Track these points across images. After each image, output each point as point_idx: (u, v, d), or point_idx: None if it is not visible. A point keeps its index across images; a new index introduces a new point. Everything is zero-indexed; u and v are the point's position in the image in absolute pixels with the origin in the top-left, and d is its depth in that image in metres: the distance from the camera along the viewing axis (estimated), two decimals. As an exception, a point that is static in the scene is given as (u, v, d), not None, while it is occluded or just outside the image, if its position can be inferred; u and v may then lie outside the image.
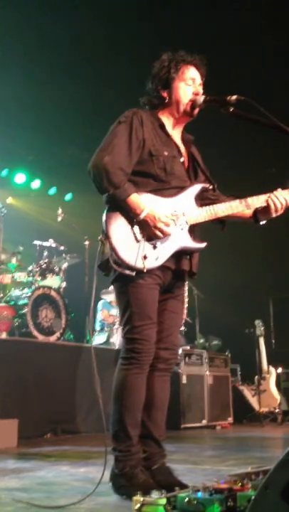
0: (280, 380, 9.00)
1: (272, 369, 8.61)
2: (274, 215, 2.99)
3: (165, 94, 2.99)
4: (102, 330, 8.21)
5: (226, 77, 5.91)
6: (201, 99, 2.94)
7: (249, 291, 10.08)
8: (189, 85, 2.97)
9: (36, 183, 10.29)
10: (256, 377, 8.54)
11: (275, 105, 3.07)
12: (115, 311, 8.08)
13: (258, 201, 2.98)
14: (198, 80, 3.00)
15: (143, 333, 2.77)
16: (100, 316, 8.41)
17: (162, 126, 2.98)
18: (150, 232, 2.75)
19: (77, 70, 7.83)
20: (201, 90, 2.99)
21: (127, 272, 2.72)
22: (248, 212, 3.03)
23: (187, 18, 7.04)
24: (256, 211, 3.02)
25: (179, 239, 2.84)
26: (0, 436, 4.84)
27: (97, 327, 8.32)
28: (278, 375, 8.78)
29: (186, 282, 3.16)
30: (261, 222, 3.07)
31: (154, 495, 2.13)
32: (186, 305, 6.61)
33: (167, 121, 3.02)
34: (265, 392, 8.36)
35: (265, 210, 2.98)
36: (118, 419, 2.76)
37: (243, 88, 3.02)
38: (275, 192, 2.98)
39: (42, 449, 4.86)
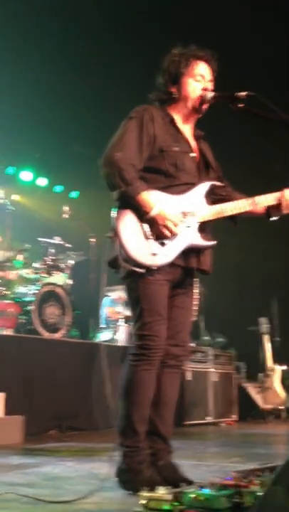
0: (285, 378, 9.00)
1: (276, 366, 8.61)
2: (286, 212, 3.00)
3: (174, 90, 2.99)
4: (107, 327, 8.22)
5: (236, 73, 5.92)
6: (209, 95, 2.94)
7: (254, 289, 10.07)
8: (198, 81, 2.96)
9: (43, 181, 10.31)
10: (260, 374, 8.54)
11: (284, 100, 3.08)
12: (120, 308, 8.09)
13: (266, 200, 2.99)
14: (208, 75, 3.00)
15: (153, 330, 2.78)
16: (104, 313, 8.42)
17: (173, 122, 2.98)
18: (159, 230, 2.76)
19: (84, 68, 7.84)
20: (210, 86, 2.99)
21: (136, 269, 2.73)
22: (260, 209, 3.04)
23: (192, 13, 7.04)
24: (269, 208, 3.03)
25: (188, 237, 2.84)
26: (5, 433, 4.86)
27: (102, 324, 8.33)
28: (283, 373, 8.77)
29: (197, 279, 3.16)
30: (273, 219, 3.08)
31: (160, 490, 2.14)
32: (196, 302, 6.60)
33: (177, 116, 3.01)
34: (270, 389, 8.36)
35: (278, 207, 2.99)
36: (126, 415, 2.77)
37: (253, 84, 3.01)
38: (286, 190, 2.98)
39: (47, 445, 4.88)
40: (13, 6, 6.87)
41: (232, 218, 3.04)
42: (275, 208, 3.01)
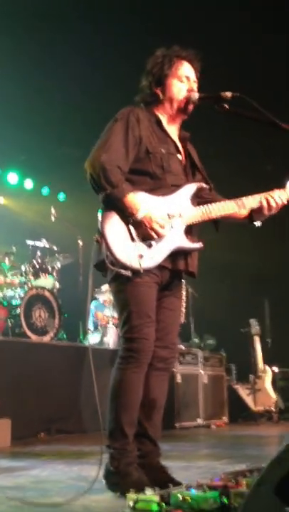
0: (276, 379, 9.00)
1: (267, 368, 8.60)
2: (268, 214, 2.98)
3: (159, 92, 2.97)
4: (95, 330, 8.19)
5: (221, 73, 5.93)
6: (195, 96, 2.92)
7: (245, 290, 10.08)
8: (183, 82, 2.95)
9: (29, 183, 10.26)
10: (251, 376, 8.53)
11: (271, 101, 3.07)
12: (108, 312, 8.07)
13: (253, 201, 2.97)
14: (193, 76, 2.98)
15: (142, 332, 2.75)
16: (93, 316, 8.40)
17: (159, 123, 2.96)
18: (145, 232, 2.73)
19: (70, 68, 7.81)
20: (195, 87, 2.97)
21: (123, 271, 2.70)
22: (244, 213, 3.02)
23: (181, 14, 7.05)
24: (252, 212, 3.01)
25: (175, 239, 2.82)
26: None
27: (91, 327, 8.31)
28: (274, 374, 8.77)
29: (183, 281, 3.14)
30: (256, 223, 3.06)
31: (148, 492, 2.13)
32: (184, 303, 6.60)
33: (163, 118, 2.99)
34: (261, 391, 8.35)
35: (260, 210, 2.97)
36: (114, 417, 2.75)
37: (240, 84, 3.01)
38: (269, 192, 2.97)
39: (35, 448, 4.85)
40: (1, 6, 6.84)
41: (215, 223, 3.02)
42: (258, 212, 2.99)
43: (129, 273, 2.70)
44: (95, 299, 8.34)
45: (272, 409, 8.23)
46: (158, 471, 2.77)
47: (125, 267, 2.70)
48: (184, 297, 5.03)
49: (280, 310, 10.11)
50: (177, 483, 2.58)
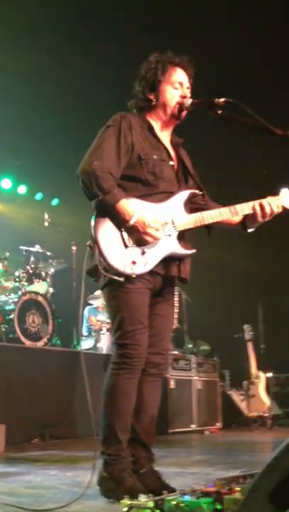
0: (270, 385, 9.01)
1: (261, 374, 8.62)
2: (261, 221, 2.99)
3: (152, 97, 2.97)
4: (89, 335, 8.19)
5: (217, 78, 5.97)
6: (188, 102, 2.92)
7: (238, 296, 10.09)
8: (176, 88, 2.95)
9: (22, 189, 10.25)
10: (245, 382, 8.54)
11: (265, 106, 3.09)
12: (102, 317, 8.07)
13: (247, 208, 2.97)
14: (186, 82, 2.99)
15: (135, 338, 2.75)
16: (86, 321, 8.40)
17: (151, 129, 2.96)
18: (139, 237, 2.73)
19: (65, 73, 7.82)
20: (188, 93, 2.98)
21: (116, 277, 2.70)
22: (237, 219, 3.02)
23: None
24: (245, 218, 3.02)
25: (168, 245, 2.82)
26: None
27: (85, 332, 8.31)
28: (268, 380, 8.78)
29: (177, 287, 3.15)
30: (249, 230, 3.07)
31: (142, 498, 2.13)
32: (176, 310, 6.61)
33: (155, 124, 3.00)
34: (254, 397, 8.36)
35: (254, 217, 2.97)
36: (108, 423, 2.75)
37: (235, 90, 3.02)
38: (263, 199, 2.98)
39: (30, 453, 4.83)
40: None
41: (207, 228, 3.02)
42: (252, 219, 3.00)
43: (121, 279, 2.70)
44: (89, 304, 8.35)
45: (266, 414, 8.24)
46: (152, 477, 2.77)
47: (118, 273, 2.70)
48: (176, 303, 5.05)
49: (273, 316, 10.13)
50: (171, 490, 2.58)
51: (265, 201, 2.97)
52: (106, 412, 2.78)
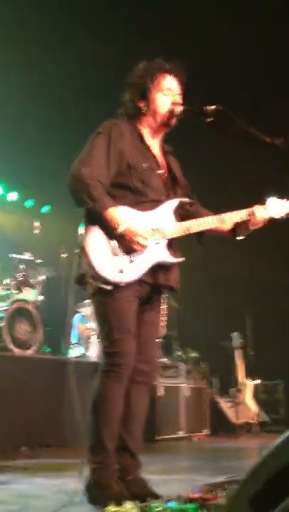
0: (258, 392, 9.05)
1: (248, 381, 8.66)
2: (252, 229, 3.03)
3: (142, 105, 2.98)
4: (78, 343, 8.19)
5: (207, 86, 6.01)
6: (178, 109, 2.95)
7: (226, 303, 10.13)
8: (166, 95, 2.96)
9: (13, 195, 10.25)
10: (232, 389, 8.58)
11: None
12: (91, 325, 8.08)
13: (235, 216, 3.01)
14: (176, 88, 3.00)
15: (122, 347, 2.77)
16: (76, 329, 8.40)
17: (141, 137, 2.98)
18: (128, 246, 2.75)
19: (56, 79, 7.84)
20: (179, 100, 2.99)
21: (104, 286, 2.73)
22: (227, 227, 3.05)
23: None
24: (235, 226, 3.05)
25: (156, 253, 2.84)
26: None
27: (74, 340, 8.31)
28: (256, 387, 8.82)
29: (165, 295, 3.18)
30: (239, 238, 3.11)
31: (127, 505, 2.16)
32: (164, 317, 6.64)
33: (145, 131, 3.02)
34: (242, 404, 8.41)
35: (244, 225, 3.02)
36: (95, 431, 2.76)
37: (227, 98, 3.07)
38: (254, 207, 3.01)
39: (17, 461, 4.82)
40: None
41: (199, 237, 3.04)
42: (242, 227, 3.04)
43: (109, 287, 2.73)
44: (79, 312, 8.35)
45: (253, 421, 8.28)
46: (138, 485, 2.79)
47: (106, 282, 2.72)
48: (164, 311, 5.08)
49: (262, 323, 10.17)
50: (157, 496, 2.61)
51: (255, 210, 3.00)
52: (93, 420, 2.79)
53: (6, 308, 6.66)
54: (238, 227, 3.05)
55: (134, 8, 7.02)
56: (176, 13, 7.11)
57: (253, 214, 2.99)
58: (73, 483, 2.70)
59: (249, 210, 3.01)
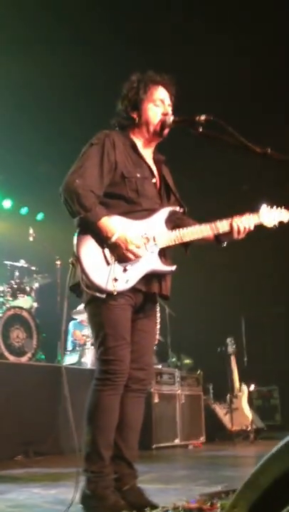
0: (253, 398, 9.04)
1: (244, 387, 8.65)
2: (236, 237, 3.05)
3: (135, 116, 3.04)
4: (73, 350, 8.18)
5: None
6: (170, 119, 2.99)
7: (220, 309, 10.15)
8: (158, 106, 3.02)
9: (7, 203, 10.25)
10: (228, 395, 8.57)
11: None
12: (86, 331, 8.07)
13: (226, 225, 3.03)
14: (167, 100, 3.06)
15: (117, 354, 2.78)
16: (71, 336, 8.39)
17: (134, 147, 3.02)
18: (121, 254, 2.77)
19: (50, 87, 7.85)
20: (170, 110, 3.05)
21: (98, 294, 2.74)
22: (211, 236, 3.07)
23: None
24: (219, 234, 3.07)
25: (149, 262, 2.86)
26: None
27: (69, 347, 8.29)
28: (250, 393, 8.81)
29: (158, 302, 3.19)
30: (222, 245, 3.13)
31: (124, 516, 2.15)
32: (158, 325, 6.64)
33: (138, 141, 3.06)
34: (237, 410, 8.38)
35: (229, 233, 3.03)
36: (91, 440, 2.76)
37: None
38: (239, 216, 3.04)
39: (12, 471, 4.80)
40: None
41: (185, 245, 3.07)
42: (226, 234, 3.05)
43: (103, 296, 2.74)
44: (74, 319, 8.34)
45: (249, 428, 8.26)
46: (135, 495, 2.79)
47: (100, 290, 2.74)
48: (158, 319, 5.08)
49: (256, 329, 10.20)
50: (154, 506, 2.60)
51: (241, 219, 3.03)
52: (89, 428, 2.79)
53: (0, 315, 6.64)
54: (222, 234, 3.07)
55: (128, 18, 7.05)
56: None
57: (241, 222, 3.02)
58: (69, 493, 2.68)
59: (238, 218, 3.03)
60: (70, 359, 7.97)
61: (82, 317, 8.11)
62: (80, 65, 7.60)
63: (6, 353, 6.45)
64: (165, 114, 3.01)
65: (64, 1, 6.89)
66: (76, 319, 8.34)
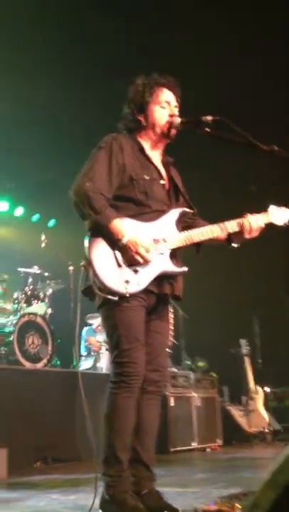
0: (268, 400, 9.00)
1: (259, 389, 8.62)
2: (247, 237, 3.05)
3: (141, 118, 3.06)
4: (88, 355, 8.20)
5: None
6: (177, 120, 3.01)
7: (234, 311, 10.12)
8: (164, 108, 3.04)
9: (19, 210, 10.34)
10: (244, 397, 8.54)
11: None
12: (100, 337, 8.09)
13: (235, 224, 3.03)
14: (173, 101, 3.08)
15: (132, 356, 2.79)
16: (86, 341, 8.41)
17: (142, 150, 3.04)
18: (131, 257, 2.79)
19: (59, 96, 7.88)
20: (176, 112, 3.07)
21: (110, 297, 2.75)
22: (223, 235, 3.08)
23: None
24: (230, 234, 3.07)
25: (161, 263, 2.87)
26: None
27: (84, 352, 8.31)
28: (266, 395, 8.78)
29: (171, 304, 3.20)
30: (234, 245, 3.13)
31: (145, 519, 2.15)
32: (171, 326, 6.64)
33: (146, 144, 3.07)
34: (254, 412, 8.35)
35: (240, 233, 3.04)
36: (108, 443, 2.76)
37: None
38: (249, 215, 3.04)
39: (32, 478, 4.81)
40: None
41: (197, 246, 3.07)
42: (237, 234, 3.06)
43: (116, 298, 2.75)
44: (88, 324, 8.36)
45: (266, 430, 8.22)
46: (154, 498, 2.79)
47: (112, 293, 2.75)
48: (171, 320, 5.08)
49: (269, 330, 10.16)
50: (173, 510, 2.60)
51: (251, 218, 3.03)
52: (106, 432, 2.79)
53: (15, 321, 6.68)
54: (233, 235, 3.07)
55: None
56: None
57: (252, 222, 3.01)
58: (89, 498, 2.68)
59: (248, 217, 3.03)
60: (85, 364, 7.99)
61: (96, 322, 8.14)
62: (91, 73, 7.62)
63: (22, 360, 6.48)
64: (172, 116, 3.03)
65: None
66: (91, 324, 8.36)
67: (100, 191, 2.82)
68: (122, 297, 2.76)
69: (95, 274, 2.76)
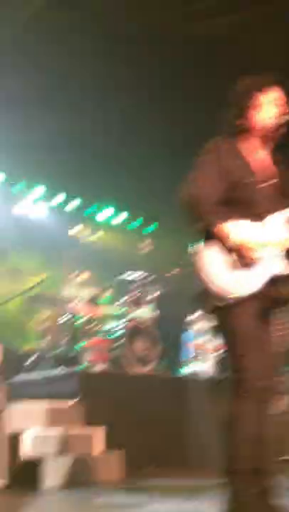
0: None
1: None
2: None
3: (243, 122, 3.01)
4: (195, 359, 8.15)
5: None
6: (284, 119, 2.94)
7: None
8: (268, 109, 2.97)
9: (122, 216, 10.57)
10: None
11: None
12: (206, 339, 8.02)
13: None
14: (279, 100, 3.00)
15: (249, 362, 2.74)
16: (191, 344, 8.37)
17: (245, 153, 2.99)
18: (242, 260, 2.75)
19: (161, 105, 7.88)
20: (282, 110, 2.98)
21: (223, 302, 2.72)
22: None
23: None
24: None
25: (273, 265, 2.81)
26: (106, 468, 4.89)
27: (190, 356, 8.27)
28: None
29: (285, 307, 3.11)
30: None
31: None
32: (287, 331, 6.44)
33: (249, 146, 3.02)
34: None
35: None
36: (230, 453, 2.73)
37: None
38: None
39: (148, 481, 4.82)
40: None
41: None
42: None
43: (229, 303, 2.72)
44: (192, 327, 8.32)
45: None
46: (279, 510, 2.71)
47: (225, 298, 2.72)
48: (287, 324, 4.93)
49: None
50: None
51: None
52: (227, 441, 2.76)
53: (124, 326, 6.79)
54: None
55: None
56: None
57: None
58: (208, 506, 2.62)
59: None
60: (191, 368, 7.96)
61: (200, 326, 8.08)
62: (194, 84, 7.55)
63: (132, 364, 6.57)
64: (279, 115, 2.96)
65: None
66: (196, 327, 8.32)
67: (207, 196, 2.80)
68: (235, 302, 2.72)
69: (207, 280, 2.74)
